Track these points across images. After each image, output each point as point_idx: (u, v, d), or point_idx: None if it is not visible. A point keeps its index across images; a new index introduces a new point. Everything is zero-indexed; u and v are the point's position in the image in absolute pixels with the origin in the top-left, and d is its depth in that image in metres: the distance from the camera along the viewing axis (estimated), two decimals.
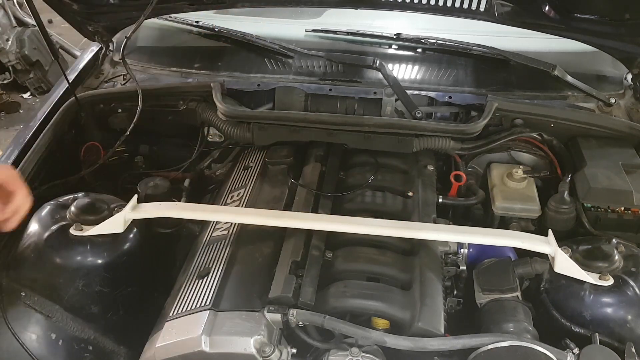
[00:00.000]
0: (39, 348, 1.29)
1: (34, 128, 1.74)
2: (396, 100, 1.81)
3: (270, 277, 1.29)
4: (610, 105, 1.82)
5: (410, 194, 1.58)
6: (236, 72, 1.96)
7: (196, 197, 1.82)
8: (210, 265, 1.37)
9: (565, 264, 1.26)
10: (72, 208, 1.41)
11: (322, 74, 1.95)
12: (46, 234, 1.37)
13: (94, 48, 2.12)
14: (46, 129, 1.73)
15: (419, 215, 1.49)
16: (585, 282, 1.26)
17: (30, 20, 4.25)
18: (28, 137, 1.70)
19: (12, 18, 4.26)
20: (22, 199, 1.18)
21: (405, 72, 2.03)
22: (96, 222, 1.38)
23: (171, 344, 1.19)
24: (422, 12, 1.88)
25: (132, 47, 2.08)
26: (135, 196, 1.46)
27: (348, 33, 2.13)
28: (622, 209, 1.56)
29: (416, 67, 2.07)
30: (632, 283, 1.28)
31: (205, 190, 1.91)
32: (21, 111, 4.46)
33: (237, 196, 1.62)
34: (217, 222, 1.54)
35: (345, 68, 1.95)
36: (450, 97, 1.83)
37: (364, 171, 1.67)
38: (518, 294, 1.31)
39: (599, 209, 1.57)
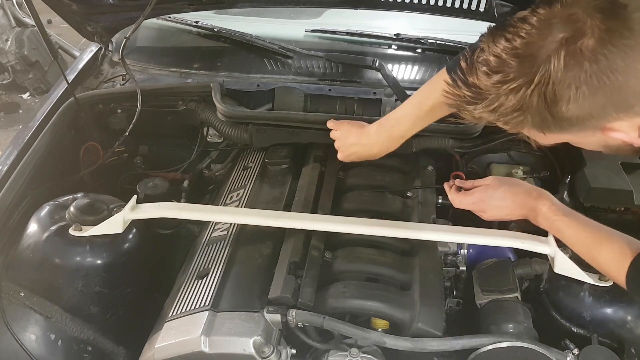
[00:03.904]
0: (38, 348, 1.29)
1: (33, 128, 1.74)
2: (396, 100, 1.81)
3: (269, 278, 1.29)
4: None
5: (409, 194, 1.58)
6: (235, 73, 1.96)
7: (195, 197, 1.82)
8: (209, 266, 1.37)
9: (564, 265, 1.26)
10: (72, 208, 1.41)
11: (321, 74, 1.95)
12: (45, 235, 1.36)
13: (93, 48, 2.12)
14: (45, 129, 1.73)
15: (418, 216, 1.49)
16: (584, 282, 1.26)
17: (30, 21, 4.24)
18: (27, 137, 1.70)
19: (12, 18, 4.25)
20: None
21: (405, 72, 2.04)
22: (95, 223, 1.38)
23: (170, 344, 1.19)
24: (422, 12, 1.88)
25: (131, 48, 2.08)
26: (135, 196, 1.46)
27: (347, 33, 2.13)
28: (622, 209, 1.56)
29: (416, 68, 2.07)
30: None
31: (205, 191, 1.91)
32: (20, 111, 4.46)
33: (236, 197, 1.62)
34: (217, 223, 1.54)
35: (345, 68, 1.95)
36: None
37: (363, 172, 1.67)
38: (518, 294, 1.31)
39: (598, 209, 1.57)
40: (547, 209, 1.22)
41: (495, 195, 1.31)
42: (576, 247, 1.21)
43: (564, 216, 1.21)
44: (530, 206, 1.26)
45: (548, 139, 0.93)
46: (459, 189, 1.39)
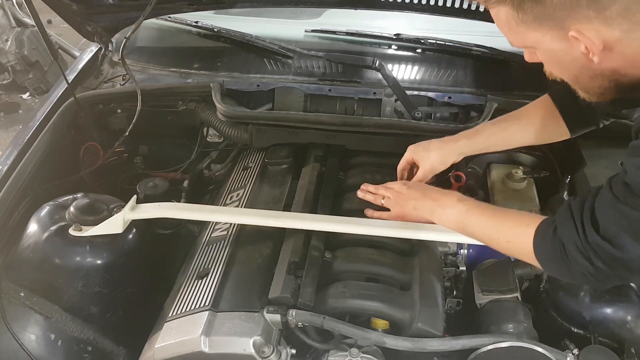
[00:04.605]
0: (38, 348, 1.29)
1: (33, 128, 1.74)
2: (396, 100, 1.81)
3: (269, 278, 1.29)
4: None
5: None
6: (235, 73, 1.96)
7: (195, 197, 1.82)
8: (209, 266, 1.37)
9: None
10: (72, 208, 1.41)
11: (321, 75, 1.95)
12: (45, 235, 1.36)
13: (93, 48, 2.12)
14: (45, 129, 1.73)
15: None
16: None
17: (30, 21, 4.24)
18: (27, 137, 1.70)
19: (12, 18, 4.25)
20: None
21: (405, 72, 2.03)
22: (95, 223, 1.38)
23: (170, 344, 1.19)
24: (421, 12, 1.88)
25: (131, 48, 2.08)
26: (135, 196, 1.46)
27: (347, 33, 2.12)
28: None
29: (416, 68, 2.07)
30: (631, 284, 1.28)
31: (205, 191, 1.91)
32: (20, 111, 4.46)
33: (236, 197, 1.62)
34: (217, 223, 1.54)
35: (345, 68, 1.95)
36: (449, 98, 1.83)
37: (363, 172, 1.67)
38: (517, 294, 1.31)
39: None
40: (457, 199, 1.25)
41: (410, 194, 1.35)
42: (483, 229, 1.19)
43: (472, 202, 1.24)
44: (441, 199, 1.28)
45: (519, 33, 0.95)
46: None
